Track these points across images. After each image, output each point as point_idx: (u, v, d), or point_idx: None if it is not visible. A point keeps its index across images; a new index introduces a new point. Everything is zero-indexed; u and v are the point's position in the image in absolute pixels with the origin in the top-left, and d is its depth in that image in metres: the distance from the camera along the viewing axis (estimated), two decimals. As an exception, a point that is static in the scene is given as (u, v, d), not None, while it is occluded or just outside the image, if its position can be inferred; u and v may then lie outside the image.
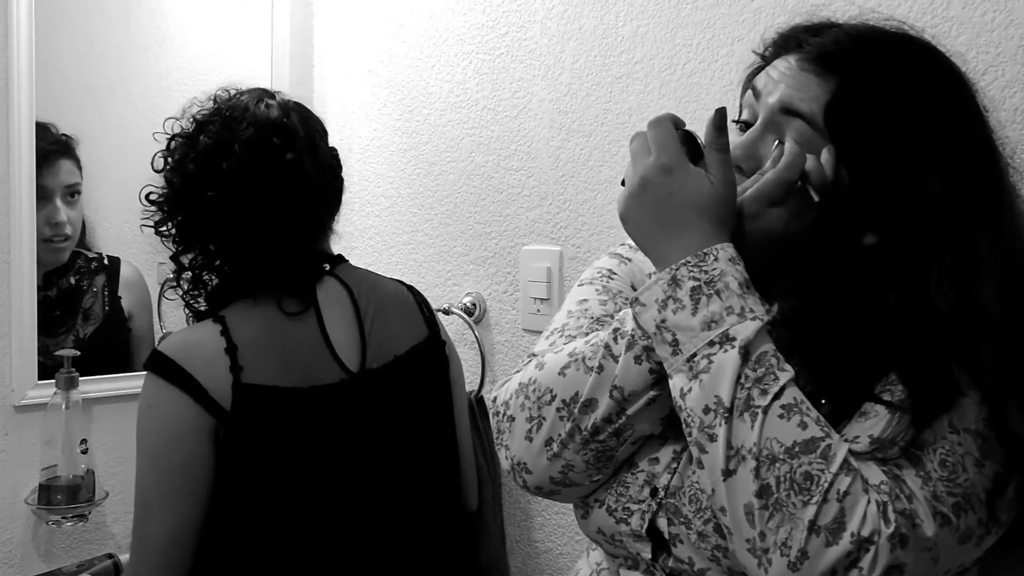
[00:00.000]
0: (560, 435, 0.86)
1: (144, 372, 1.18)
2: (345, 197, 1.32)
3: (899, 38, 0.88)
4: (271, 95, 1.28)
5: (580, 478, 0.88)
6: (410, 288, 1.39)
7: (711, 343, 0.76)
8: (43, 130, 1.58)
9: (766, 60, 0.93)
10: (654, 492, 0.88)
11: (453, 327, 1.70)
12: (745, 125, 0.90)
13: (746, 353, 0.75)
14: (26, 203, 1.53)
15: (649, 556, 0.88)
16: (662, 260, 0.81)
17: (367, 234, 1.87)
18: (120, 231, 1.73)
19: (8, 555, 1.54)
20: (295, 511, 1.17)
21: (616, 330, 0.85)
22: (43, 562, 1.57)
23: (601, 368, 0.84)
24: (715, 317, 0.76)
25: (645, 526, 0.87)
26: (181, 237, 1.24)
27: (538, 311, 1.56)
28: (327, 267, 1.29)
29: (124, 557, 1.56)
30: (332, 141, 1.35)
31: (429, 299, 1.35)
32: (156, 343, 1.58)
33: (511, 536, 1.64)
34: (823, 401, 0.80)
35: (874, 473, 0.74)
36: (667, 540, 0.86)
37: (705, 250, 0.79)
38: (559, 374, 0.87)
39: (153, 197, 1.25)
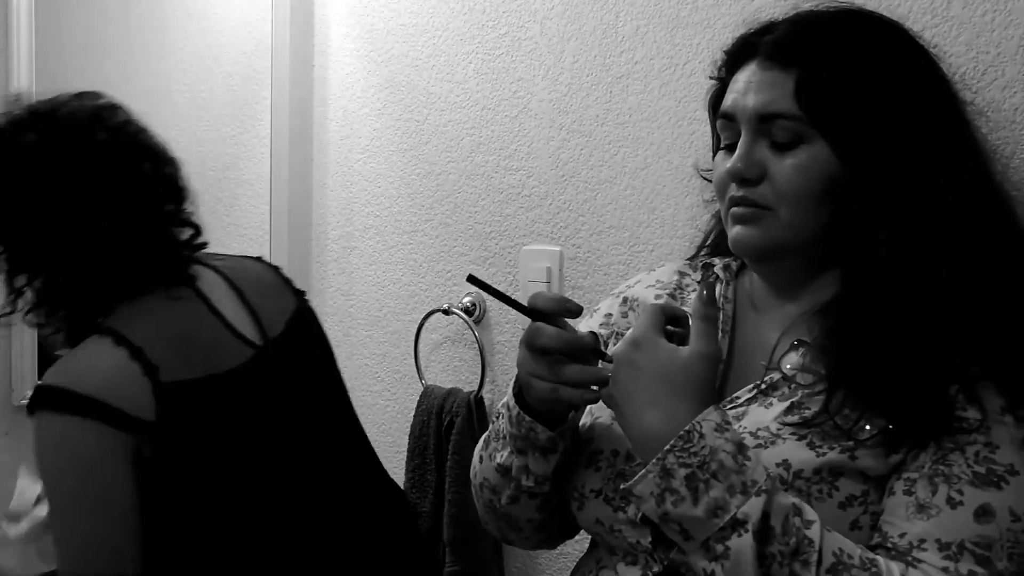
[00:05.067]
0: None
1: (32, 414, 1.07)
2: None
3: (840, 12, 0.92)
4: (81, 93, 1.17)
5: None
6: (257, 258, 1.35)
7: (722, 530, 0.74)
8: None
9: (724, 80, 0.95)
10: None
11: (453, 327, 1.70)
12: (730, 146, 0.92)
13: (763, 533, 0.73)
14: (26, 203, 1.53)
15: (649, 541, 0.88)
16: (640, 437, 0.80)
17: (367, 234, 1.87)
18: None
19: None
20: (240, 502, 1.14)
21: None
22: (43, 562, 1.57)
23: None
24: (719, 503, 0.74)
25: (639, 515, 0.88)
26: (12, 263, 1.12)
27: (538, 311, 1.56)
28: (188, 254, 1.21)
29: (124, 557, 1.56)
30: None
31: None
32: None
33: (511, 536, 1.64)
34: (867, 427, 0.81)
35: None
36: None
37: (687, 428, 0.76)
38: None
39: None
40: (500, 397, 1.63)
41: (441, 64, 1.72)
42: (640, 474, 0.77)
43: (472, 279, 0.87)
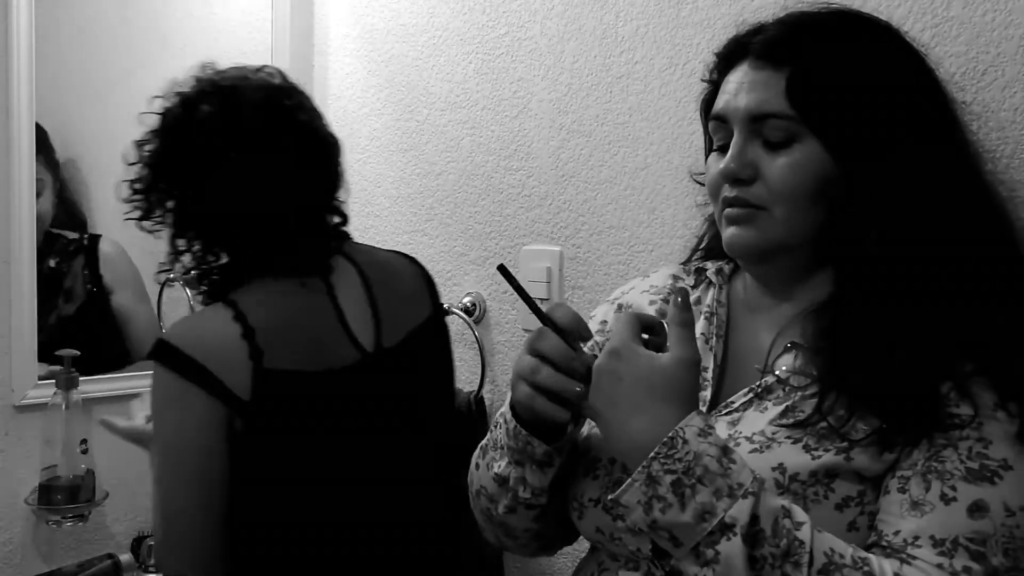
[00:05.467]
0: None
1: (151, 359, 1.12)
2: (344, 197, 1.31)
3: (830, 12, 0.92)
4: (263, 67, 1.22)
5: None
6: (411, 258, 1.36)
7: (711, 535, 0.73)
8: None
9: (716, 82, 0.95)
10: None
11: (453, 327, 1.70)
12: (722, 148, 0.92)
13: (752, 537, 0.73)
14: (26, 204, 1.53)
15: (650, 548, 0.88)
16: (625, 447, 0.79)
17: (367, 234, 1.87)
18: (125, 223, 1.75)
19: (8, 555, 1.54)
20: (316, 496, 1.15)
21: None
22: (43, 562, 1.57)
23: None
24: (707, 508, 0.73)
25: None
26: (176, 220, 1.18)
27: (538, 311, 1.56)
28: (334, 244, 1.25)
29: (124, 557, 1.57)
30: None
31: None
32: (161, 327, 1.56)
33: (511, 536, 1.64)
34: (861, 427, 0.81)
35: None
36: None
37: (670, 435, 0.75)
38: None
39: (139, 186, 1.18)
40: (500, 397, 1.63)
41: (441, 64, 1.72)
42: (626, 483, 0.76)
43: (502, 269, 0.87)
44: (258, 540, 1.15)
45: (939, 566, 0.75)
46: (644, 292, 1.07)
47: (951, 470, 0.78)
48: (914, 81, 0.89)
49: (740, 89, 0.89)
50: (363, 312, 1.22)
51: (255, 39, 1.89)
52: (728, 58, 0.94)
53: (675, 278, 1.07)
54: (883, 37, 0.91)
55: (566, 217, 1.53)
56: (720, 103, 0.92)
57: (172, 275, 1.22)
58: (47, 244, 1.67)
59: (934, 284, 0.83)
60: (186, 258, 1.19)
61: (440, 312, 1.33)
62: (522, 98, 1.58)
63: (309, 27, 1.96)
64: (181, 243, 1.18)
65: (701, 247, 1.09)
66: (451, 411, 1.35)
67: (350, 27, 1.90)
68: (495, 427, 0.95)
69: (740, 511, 0.73)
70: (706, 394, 0.94)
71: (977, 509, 0.76)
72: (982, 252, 0.85)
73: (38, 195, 1.62)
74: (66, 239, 1.72)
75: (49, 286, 1.67)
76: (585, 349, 0.87)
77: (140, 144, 1.19)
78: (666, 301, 1.04)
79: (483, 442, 0.99)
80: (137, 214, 1.19)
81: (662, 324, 0.83)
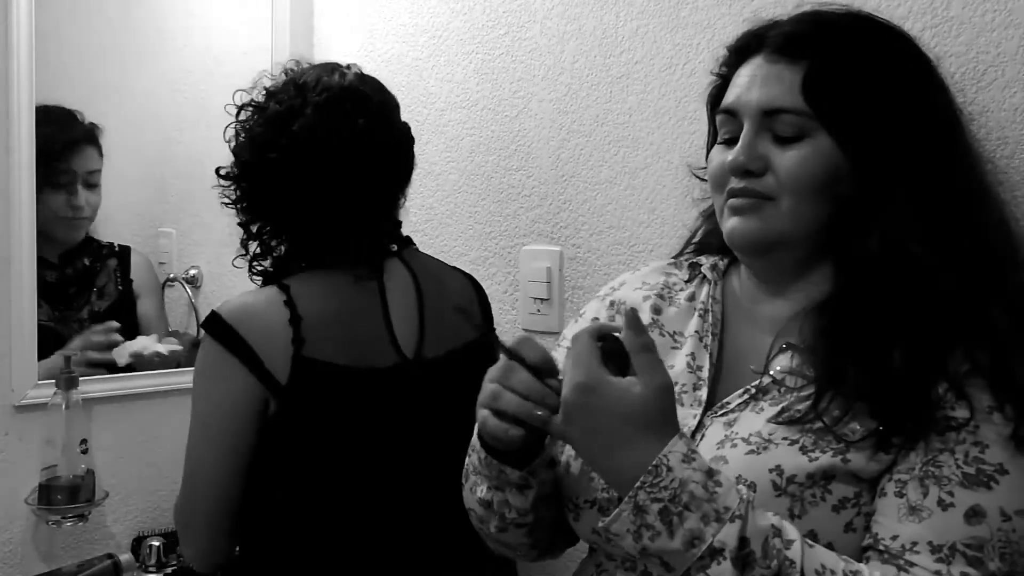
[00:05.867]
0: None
1: (202, 332, 1.18)
2: (403, 203, 1.32)
3: (846, 13, 0.93)
4: (345, 66, 1.28)
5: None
6: (473, 281, 1.38)
7: (701, 560, 0.73)
8: (70, 118, 1.65)
9: (725, 76, 0.95)
10: None
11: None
12: (729, 141, 0.92)
13: (742, 560, 0.72)
14: (26, 204, 1.53)
15: None
16: (612, 478, 0.79)
17: (367, 234, 1.87)
18: (126, 224, 1.77)
19: (8, 555, 1.54)
20: (337, 489, 1.17)
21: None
22: (43, 562, 1.57)
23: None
24: (696, 534, 0.73)
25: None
26: (249, 205, 1.23)
27: (538, 311, 1.56)
28: (394, 247, 1.28)
29: (124, 557, 1.56)
30: None
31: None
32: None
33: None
34: (857, 427, 0.81)
35: None
36: None
37: (655, 463, 0.75)
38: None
39: (223, 171, 1.25)
40: (500, 397, 1.63)
41: (441, 64, 1.72)
42: (614, 513, 0.76)
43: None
44: (272, 524, 1.18)
45: (937, 573, 0.75)
46: (637, 289, 1.06)
47: (948, 475, 0.78)
48: (923, 86, 0.90)
49: (753, 83, 0.89)
50: (410, 319, 1.24)
51: (255, 39, 1.89)
52: (741, 51, 0.94)
53: (667, 274, 1.06)
54: (897, 43, 0.92)
55: (566, 217, 1.53)
56: (731, 97, 0.92)
57: (247, 256, 1.27)
58: (84, 245, 1.73)
59: (934, 284, 0.83)
60: (254, 244, 1.25)
61: (487, 336, 1.33)
62: (522, 98, 1.58)
63: (309, 27, 1.96)
64: (255, 225, 1.24)
65: (694, 241, 1.08)
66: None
67: (350, 27, 1.90)
68: (471, 452, 0.94)
69: (728, 535, 0.73)
70: (702, 394, 0.94)
71: (974, 515, 0.76)
72: (982, 253, 0.85)
73: (94, 186, 1.69)
74: (100, 243, 1.76)
75: (82, 282, 1.72)
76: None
77: (232, 128, 1.25)
78: (660, 297, 1.04)
79: (465, 466, 0.98)
80: (225, 197, 1.25)
81: (614, 333, 0.81)
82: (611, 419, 0.77)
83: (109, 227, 1.74)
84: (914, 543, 0.77)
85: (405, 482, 1.21)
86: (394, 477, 1.20)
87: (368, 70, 1.92)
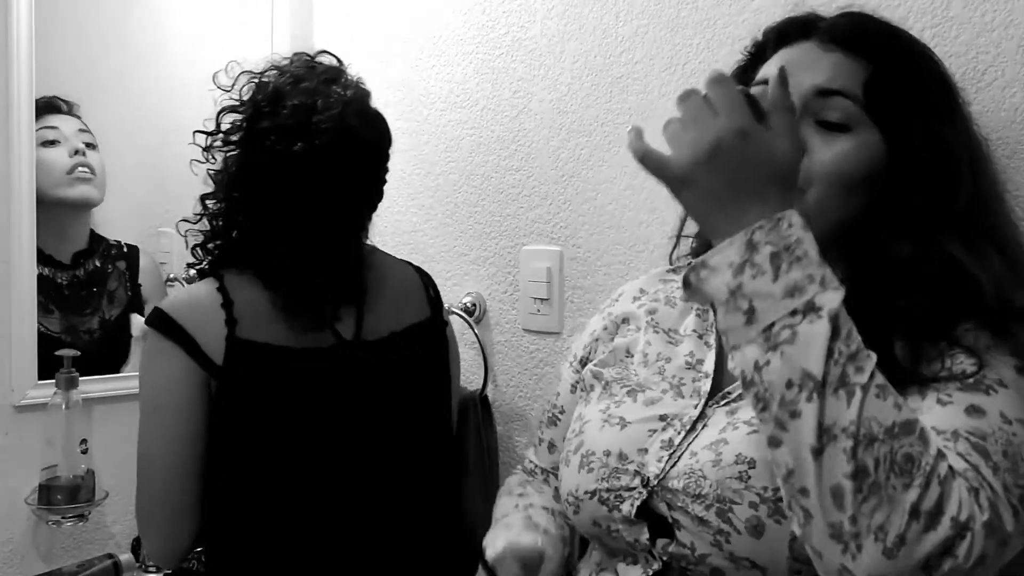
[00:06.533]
0: None
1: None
2: (370, 211, 1.33)
3: (887, 22, 0.95)
4: (349, 83, 1.30)
5: None
6: (418, 269, 1.40)
7: (793, 312, 0.71)
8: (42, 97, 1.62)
9: (757, 58, 0.95)
10: (645, 482, 0.89)
11: (453, 327, 1.70)
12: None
13: (835, 325, 0.70)
14: (26, 205, 1.53)
15: (647, 538, 0.88)
16: (730, 231, 0.75)
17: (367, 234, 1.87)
18: (127, 224, 1.76)
19: (8, 555, 1.54)
20: (282, 467, 1.20)
21: None
22: (43, 562, 1.57)
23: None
24: (798, 285, 0.71)
25: (633, 511, 0.89)
26: (225, 177, 1.24)
27: (538, 311, 1.56)
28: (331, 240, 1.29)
29: (124, 557, 1.56)
30: None
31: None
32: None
33: (511, 536, 1.64)
34: None
35: (956, 460, 0.72)
36: (670, 524, 0.87)
37: (779, 215, 0.73)
38: None
39: (225, 126, 1.25)
40: (499, 397, 1.63)
41: (441, 64, 1.72)
42: (722, 244, 0.74)
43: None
44: (229, 504, 1.21)
45: (944, 447, 0.73)
46: (635, 299, 1.09)
47: (947, 387, 0.78)
48: (956, 98, 0.92)
49: (806, 64, 0.89)
50: (347, 303, 1.27)
51: (255, 39, 1.89)
52: (783, 35, 0.94)
53: (664, 281, 1.08)
54: (932, 54, 0.94)
55: (566, 217, 1.53)
56: (772, 71, 0.88)
57: (195, 227, 1.28)
58: (92, 243, 1.71)
59: (978, 287, 0.82)
60: (204, 223, 1.26)
61: (436, 322, 1.36)
62: (522, 98, 1.58)
63: (309, 28, 1.96)
64: (210, 203, 1.25)
65: (693, 245, 1.07)
66: (443, 418, 1.35)
67: (350, 27, 1.90)
68: None
69: (830, 299, 0.71)
70: (703, 386, 0.95)
71: (974, 411, 0.76)
72: (1002, 261, 0.85)
73: (91, 146, 1.65)
74: (108, 241, 1.74)
75: (92, 286, 1.70)
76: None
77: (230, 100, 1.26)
78: (656, 301, 1.06)
79: None
80: (202, 155, 1.26)
81: (760, 106, 0.79)
82: (759, 169, 0.75)
83: (110, 226, 1.74)
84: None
85: (347, 459, 1.23)
86: (335, 454, 1.22)
87: (368, 70, 1.93)
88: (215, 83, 1.26)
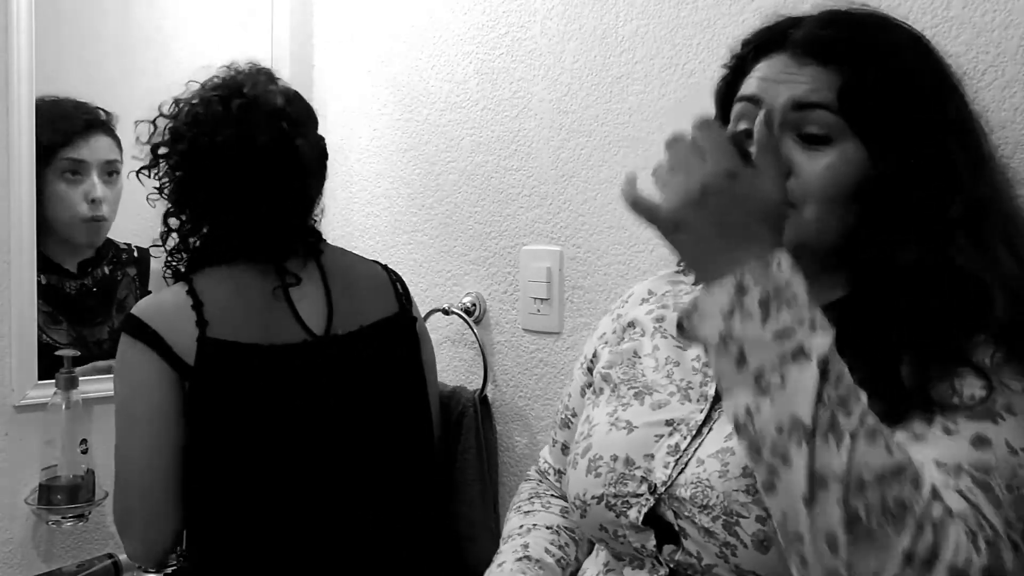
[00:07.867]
0: None
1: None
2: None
3: (868, 14, 0.91)
4: (274, 79, 1.33)
5: None
6: (385, 267, 1.43)
7: (783, 357, 0.70)
8: (80, 106, 1.62)
9: (737, 70, 0.94)
10: (652, 489, 0.89)
11: (453, 327, 1.70)
12: (745, 134, 0.90)
13: (824, 369, 0.69)
14: (26, 203, 1.53)
15: (653, 544, 0.88)
16: (721, 273, 0.75)
17: (367, 234, 1.87)
18: (127, 223, 1.75)
19: (8, 555, 1.54)
20: (256, 464, 1.22)
21: None
22: (43, 562, 1.58)
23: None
24: (787, 329, 0.71)
25: (640, 518, 0.89)
26: (175, 196, 1.28)
27: (538, 311, 1.56)
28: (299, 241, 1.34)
29: (124, 557, 1.56)
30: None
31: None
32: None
33: (511, 536, 1.64)
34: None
35: (954, 500, 0.71)
36: (676, 532, 0.87)
37: (769, 256, 0.73)
38: None
39: (161, 151, 1.29)
40: (499, 396, 1.63)
41: (441, 64, 1.72)
42: (712, 287, 0.74)
43: None
44: (207, 502, 1.23)
45: (944, 483, 0.72)
46: (644, 301, 1.08)
47: (954, 415, 0.77)
48: (947, 90, 0.89)
49: (783, 78, 0.87)
50: (317, 300, 1.30)
51: (255, 39, 1.89)
52: (761, 47, 0.92)
53: (673, 283, 1.07)
54: (920, 46, 0.90)
55: (566, 217, 1.53)
56: (752, 86, 0.89)
57: (163, 247, 1.32)
58: (101, 249, 1.69)
59: (985, 294, 0.81)
60: (172, 237, 1.31)
61: (406, 316, 1.39)
62: (522, 98, 1.58)
63: (309, 27, 1.96)
64: (174, 221, 1.30)
65: None
66: (419, 414, 1.37)
67: (350, 27, 1.90)
68: None
69: (819, 343, 0.70)
70: (709, 390, 0.94)
71: (980, 441, 0.74)
72: (1006, 266, 0.83)
73: (113, 174, 1.65)
74: (118, 245, 1.72)
75: (102, 292, 1.68)
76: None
77: (169, 116, 1.31)
78: (664, 307, 1.05)
79: None
80: (146, 171, 1.31)
81: (744, 147, 0.80)
82: (748, 211, 0.75)
83: (120, 229, 1.72)
84: (921, 464, 0.73)
85: (321, 453, 1.25)
86: (309, 450, 1.24)
87: (368, 70, 1.93)
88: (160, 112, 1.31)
